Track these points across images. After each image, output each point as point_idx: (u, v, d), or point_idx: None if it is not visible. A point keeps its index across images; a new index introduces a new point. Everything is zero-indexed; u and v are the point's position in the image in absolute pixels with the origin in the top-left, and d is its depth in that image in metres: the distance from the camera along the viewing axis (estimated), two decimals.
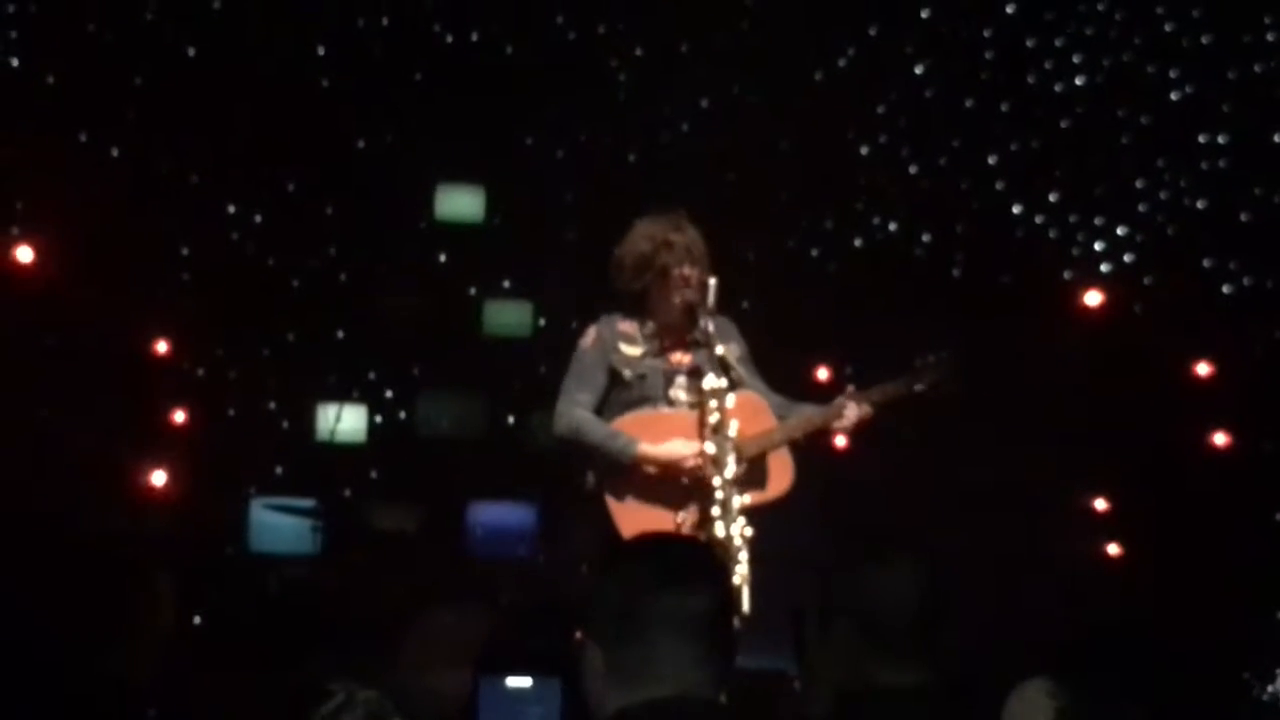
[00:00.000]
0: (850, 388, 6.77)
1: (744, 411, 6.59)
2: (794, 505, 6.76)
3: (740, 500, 6.44)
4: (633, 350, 6.77)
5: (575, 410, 6.72)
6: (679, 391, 6.70)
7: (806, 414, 6.76)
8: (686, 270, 6.66)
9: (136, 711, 4.29)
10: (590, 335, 6.84)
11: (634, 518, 6.57)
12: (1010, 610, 8.62)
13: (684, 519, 6.55)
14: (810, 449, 6.86)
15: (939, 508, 8.93)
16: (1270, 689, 7.34)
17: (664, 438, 6.60)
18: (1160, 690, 3.94)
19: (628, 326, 6.80)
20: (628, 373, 6.74)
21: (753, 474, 6.61)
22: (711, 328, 6.59)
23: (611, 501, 6.63)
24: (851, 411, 6.69)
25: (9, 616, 4.36)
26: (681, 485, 6.58)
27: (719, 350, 6.52)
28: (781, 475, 6.71)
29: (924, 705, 3.92)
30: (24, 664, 4.02)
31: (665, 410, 6.69)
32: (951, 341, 6.93)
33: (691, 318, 6.63)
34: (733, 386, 6.63)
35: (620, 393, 6.75)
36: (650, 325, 6.77)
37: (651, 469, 6.60)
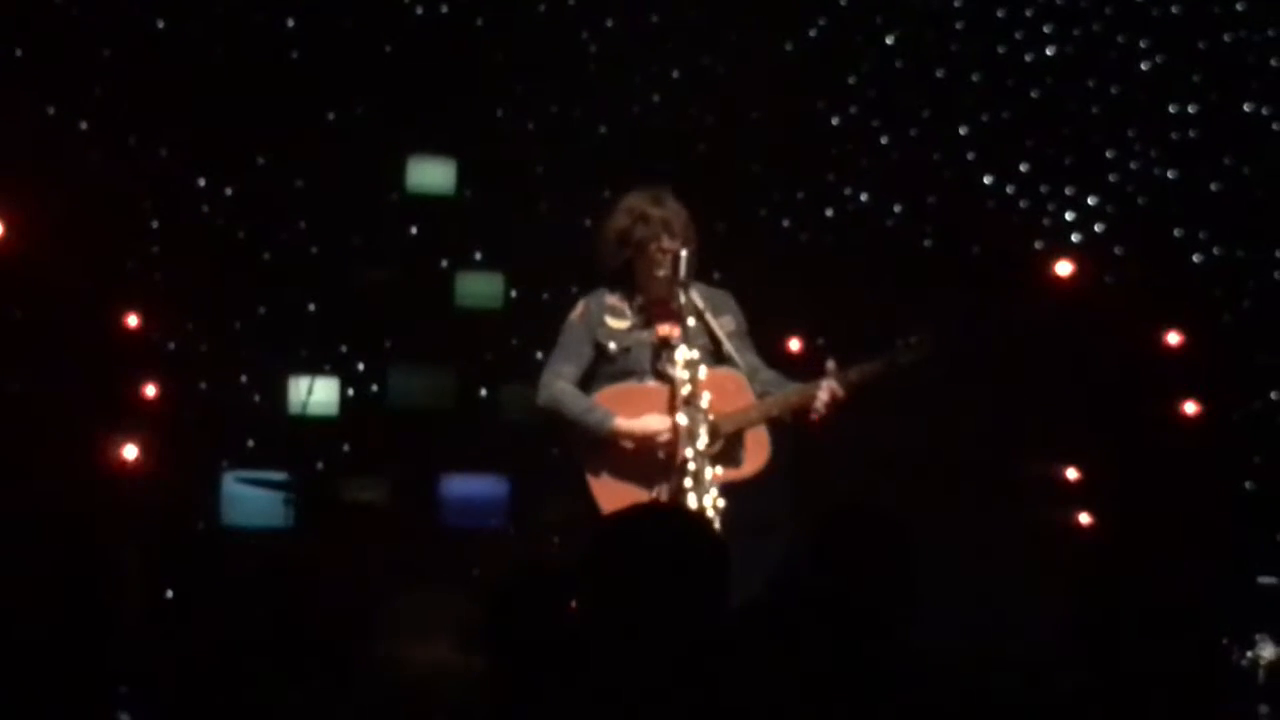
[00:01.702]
0: (830, 363, 6.77)
1: (723, 388, 6.62)
2: (766, 477, 6.77)
3: (713, 471, 6.47)
4: (619, 324, 6.79)
5: (557, 382, 6.75)
6: (666, 365, 6.71)
7: (784, 393, 6.78)
8: (665, 244, 6.68)
9: (107, 686, 4.30)
10: (578, 308, 6.87)
11: (611, 491, 6.60)
12: (981, 582, 8.65)
13: (660, 493, 6.57)
14: (787, 424, 6.87)
15: (908, 478, 8.94)
16: (1249, 654, 7.39)
17: (644, 411, 6.63)
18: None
19: (615, 300, 6.82)
20: (613, 346, 6.76)
21: (729, 450, 6.63)
22: (698, 300, 6.61)
23: (589, 475, 6.65)
24: (824, 396, 6.69)
25: None
26: (658, 459, 6.60)
27: (692, 322, 6.54)
28: (758, 452, 6.73)
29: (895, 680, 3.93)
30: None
31: (650, 384, 6.71)
32: (928, 318, 6.93)
33: (676, 290, 6.64)
34: (720, 361, 6.65)
35: (606, 366, 6.78)
36: (638, 299, 6.79)
37: (628, 443, 6.61)
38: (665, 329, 6.75)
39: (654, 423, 6.60)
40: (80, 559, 4.44)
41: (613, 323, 6.79)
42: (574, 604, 3.89)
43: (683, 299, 6.60)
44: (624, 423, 6.62)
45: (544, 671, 3.54)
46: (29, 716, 3.80)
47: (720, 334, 6.69)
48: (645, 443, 6.60)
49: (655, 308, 6.78)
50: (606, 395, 6.74)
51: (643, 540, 3.42)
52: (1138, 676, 3.99)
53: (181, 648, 5.40)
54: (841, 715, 3.68)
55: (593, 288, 6.96)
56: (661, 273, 6.69)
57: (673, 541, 3.41)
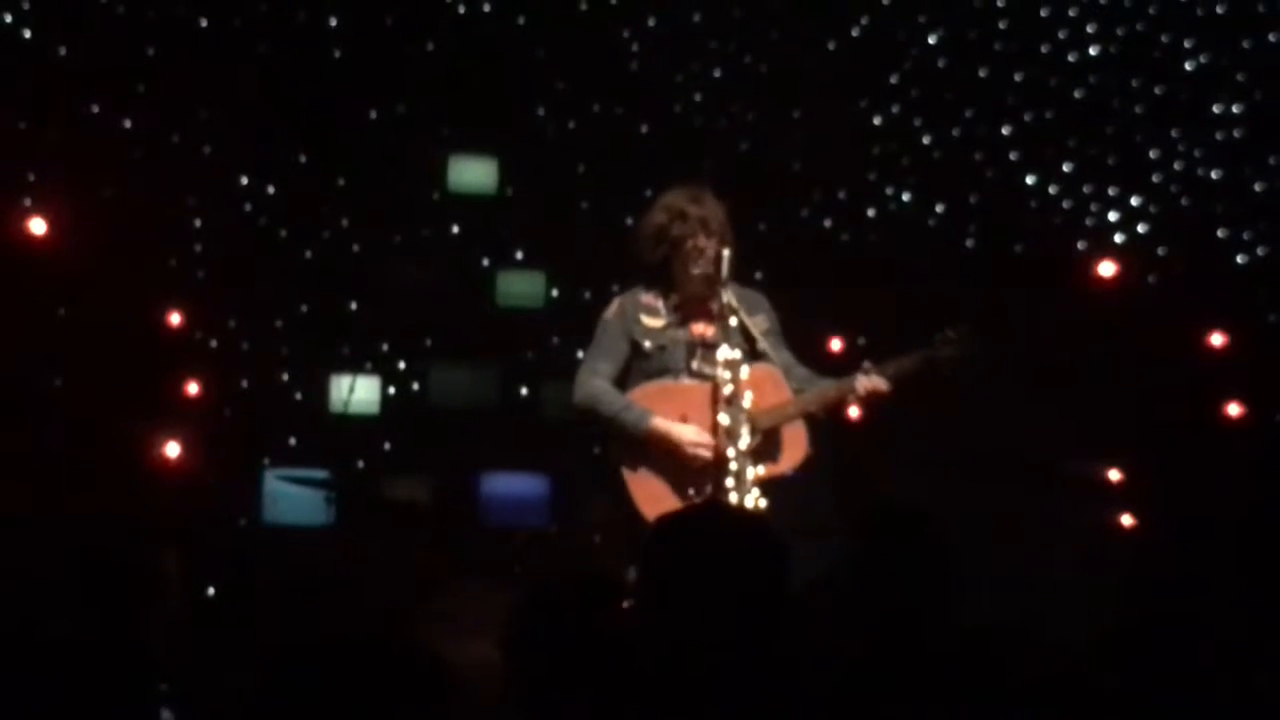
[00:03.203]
0: (866, 362, 6.76)
1: (760, 384, 6.62)
2: (807, 477, 6.76)
3: (754, 472, 6.46)
4: (654, 322, 6.79)
5: (593, 380, 6.76)
6: (702, 363, 6.71)
7: (821, 388, 6.77)
8: (702, 242, 6.68)
9: (150, 685, 4.30)
10: (614, 307, 6.88)
11: (648, 490, 6.61)
12: (1020, 580, 8.62)
13: (696, 492, 6.57)
14: (826, 421, 6.86)
15: (949, 479, 8.92)
16: None
17: (681, 409, 6.63)
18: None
19: (650, 298, 6.83)
20: (649, 344, 6.76)
21: (767, 446, 6.63)
22: (734, 299, 6.61)
23: (626, 472, 6.66)
24: (864, 385, 6.68)
25: (21, 590, 4.38)
26: (694, 462, 6.60)
27: (733, 322, 6.54)
28: (795, 448, 6.72)
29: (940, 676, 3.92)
30: (34, 639, 4.03)
31: (686, 382, 6.72)
32: (969, 316, 6.90)
33: (712, 289, 6.64)
34: (756, 358, 6.65)
35: (642, 364, 6.78)
36: (673, 297, 6.79)
37: (664, 445, 6.62)
38: (701, 327, 6.76)
39: (690, 433, 6.60)
40: (122, 557, 4.44)
41: (648, 321, 6.80)
42: (625, 604, 3.89)
43: (723, 298, 6.59)
44: (661, 423, 6.63)
45: (582, 675, 3.54)
46: (70, 715, 3.81)
47: (755, 332, 6.68)
48: (678, 449, 6.60)
49: (691, 306, 6.78)
50: (642, 393, 6.75)
51: (702, 540, 3.42)
52: (1178, 677, 3.98)
53: (223, 646, 5.40)
54: (882, 714, 3.67)
55: (629, 286, 6.97)
56: (698, 271, 6.68)
57: (732, 541, 3.41)
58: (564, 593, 3.66)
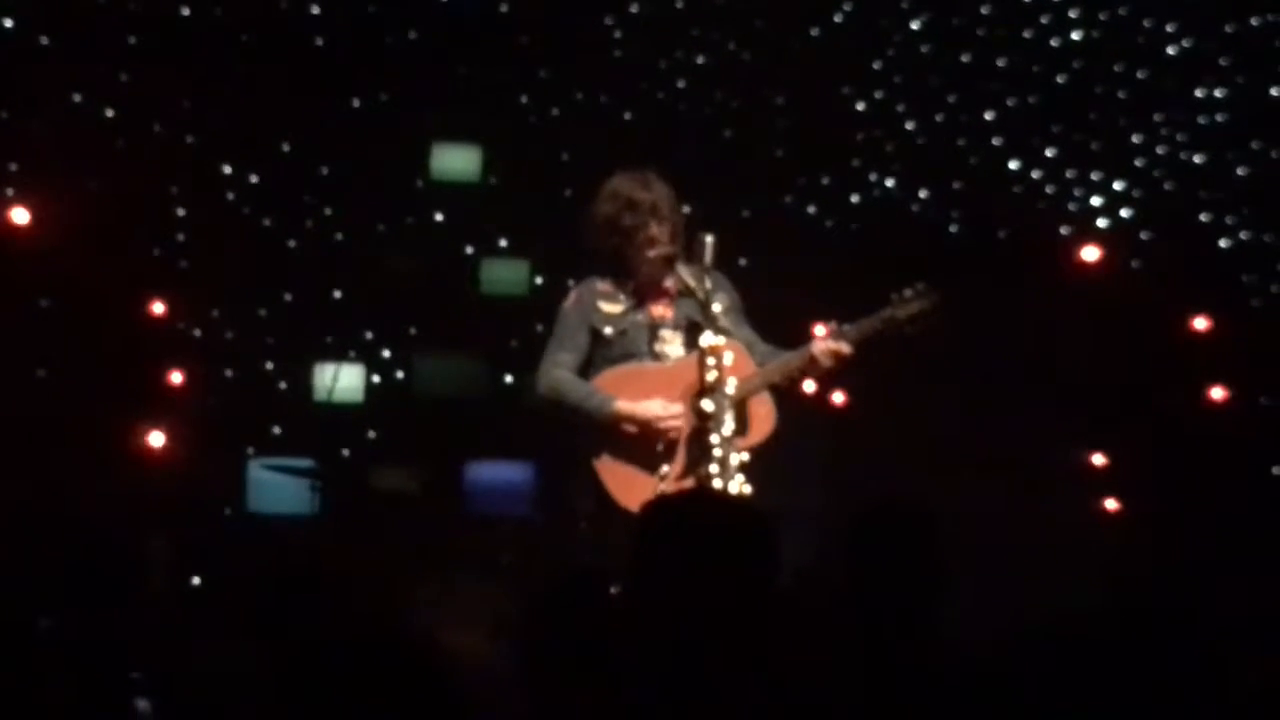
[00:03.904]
0: (832, 325, 6.76)
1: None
2: (792, 464, 6.76)
3: (739, 458, 6.47)
4: (613, 308, 6.81)
5: (555, 371, 6.78)
6: (663, 345, 6.73)
7: (784, 358, 6.76)
8: (654, 230, 6.69)
9: (132, 675, 4.30)
10: (571, 297, 6.91)
11: (617, 475, 6.62)
12: (1009, 568, 8.62)
13: (664, 475, 6.57)
14: (808, 403, 6.87)
15: (936, 467, 8.92)
16: None
17: (645, 393, 6.65)
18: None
19: (606, 285, 6.85)
20: (609, 330, 6.78)
21: (735, 420, 6.61)
22: (691, 280, 6.61)
23: (597, 465, 6.67)
24: (821, 349, 6.66)
25: (4, 580, 4.37)
26: (661, 441, 6.61)
27: (692, 282, 6.54)
28: (764, 420, 6.73)
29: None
30: (19, 628, 4.03)
31: (650, 365, 6.73)
32: (930, 278, 6.89)
33: (668, 271, 6.65)
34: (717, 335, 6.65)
35: (604, 350, 6.80)
36: (629, 282, 6.79)
37: (630, 426, 6.62)
38: (659, 309, 6.77)
39: (654, 407, 6.61)
40: (106, 546, 4.43)
41: (606, 307, 6.82)
42: (614, 591, 3.89)
43: (689, 279, 6.59)
44: (625, 405, 6.64)
45: (586, 664, 3.54)
46: (53, 703, 3.80)
47: (716, 310, 6.66)
48: (646, 426, 6.61)
49: (647, 289, 6.79)
50: (607, 378, 6.76)
51: (690, 524, 3.42)
52: (1166, 663, 3.97)
53: (208, 634, 5.40)
54: (870, 704, 3.68)
55: (584, 275, 6.97)
56: (653, 254, 6.70)
57: (721, 524, 3.41)
58: (567, 586, 3.67)
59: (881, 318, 6.78)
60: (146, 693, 4.30)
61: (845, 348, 6.68)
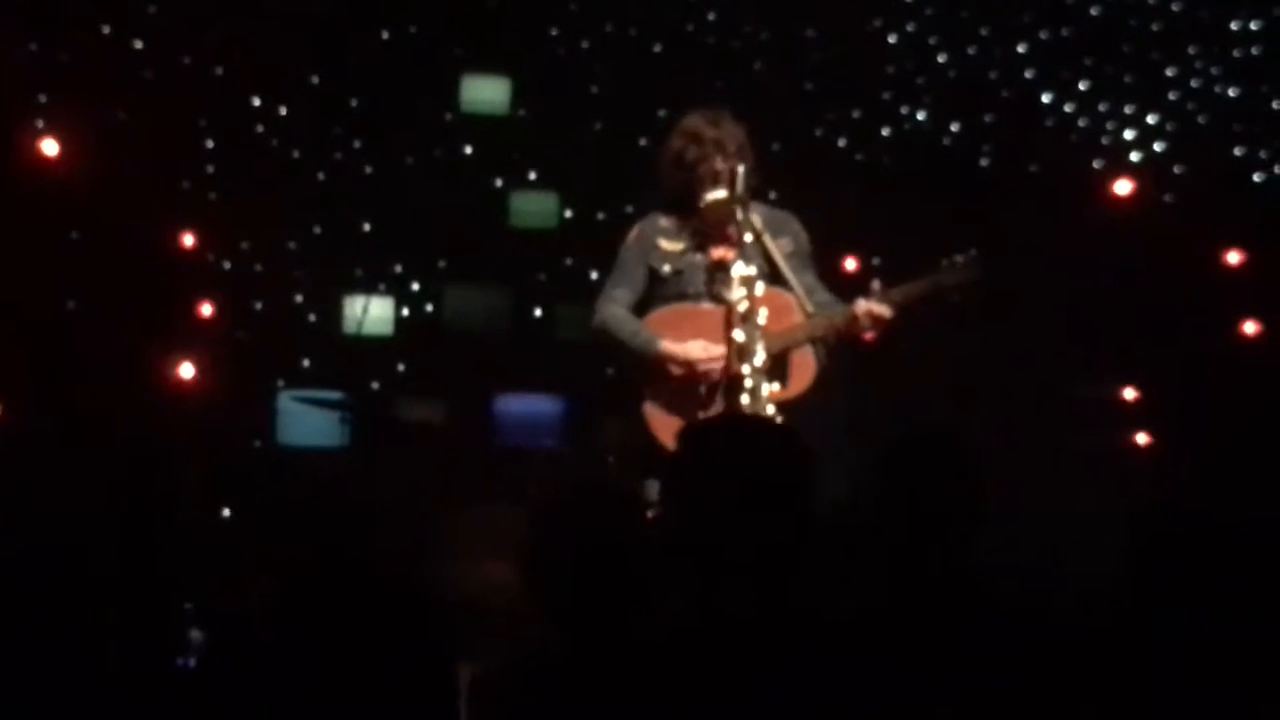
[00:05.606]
0: (875, 284, 6.71)
1: (771, 307, 6.56)
2: (822, 401, 6.74)
3: (769, 388, 6.44)
4: (673, 245, 6.76)
5: (609, 307, 6.75)
6: (721, 287, 6.66)
7: (829, 313, 6.72)
8: (718, 165, 6.62)
9: (169, 603, 4.32)
10: (633, 232, 6.86)
11: (660, 415, 6.60)
12: (1039, 504, 8.61)
13: (706, 416, 6.55)
14: (843, 348, 6.83)
15: (965, 402, 8.91)
16: None
17: (693, 333, 6.61)
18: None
19: (669, 222, 6.79)
20: (666, 268, 6.73)
21: (774, 370, 6.59)
22: (757, 219, 6.57)
23: (644, 398, 6.66)
24: (863, 309, 6.61)
25: (42, 510, 4.38)
26: (704, 382, 6.59)
27: (748, 238, 6.51)
28: (803, 373, 6.67)
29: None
30: (58, 558, 4.04)
31: (705, 305, 6.68)
32: (977, 241, 6.85)
33: (730, 212, 6.59)
34: (775, 282, 6.61)
35: (660, 288, 6.76)
36: (693, 221, 6.74)
37: (674, 368, 6.60)
38: (721, 252, 6.71)
39: (696, 350, 6.57)
40: (141, 477, 4.44)
41: (666, 245, 6.77)
42: (650, 515, 3.88)
43: (739, 216, 6.54)
44: (669, 346, 6.61)
45: (607, 588, 3.52)
46: (98, 635, 3.82)
47: (777, 255, 6.63)
48: (688, 367, 6.59)
49: (711, 229, 6.73)
50: (658, 317, 6.73)
51: (728, 444, 3.42)
52: (1192, 597, 3.97)
53: (241, 566, 5.42)
54: (903, 635, 3.67)
55: (645, 208, 6.95)
56: (715, 194, 6.64)
57: (758, 444, 3.41)
58: (583, 505, 3.64)
59: (928, 282, 6.73)
60: (198, 622, 4.33)
61: (887, 311, 6.63)
